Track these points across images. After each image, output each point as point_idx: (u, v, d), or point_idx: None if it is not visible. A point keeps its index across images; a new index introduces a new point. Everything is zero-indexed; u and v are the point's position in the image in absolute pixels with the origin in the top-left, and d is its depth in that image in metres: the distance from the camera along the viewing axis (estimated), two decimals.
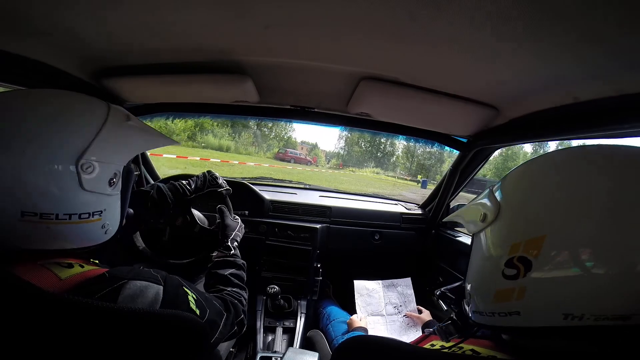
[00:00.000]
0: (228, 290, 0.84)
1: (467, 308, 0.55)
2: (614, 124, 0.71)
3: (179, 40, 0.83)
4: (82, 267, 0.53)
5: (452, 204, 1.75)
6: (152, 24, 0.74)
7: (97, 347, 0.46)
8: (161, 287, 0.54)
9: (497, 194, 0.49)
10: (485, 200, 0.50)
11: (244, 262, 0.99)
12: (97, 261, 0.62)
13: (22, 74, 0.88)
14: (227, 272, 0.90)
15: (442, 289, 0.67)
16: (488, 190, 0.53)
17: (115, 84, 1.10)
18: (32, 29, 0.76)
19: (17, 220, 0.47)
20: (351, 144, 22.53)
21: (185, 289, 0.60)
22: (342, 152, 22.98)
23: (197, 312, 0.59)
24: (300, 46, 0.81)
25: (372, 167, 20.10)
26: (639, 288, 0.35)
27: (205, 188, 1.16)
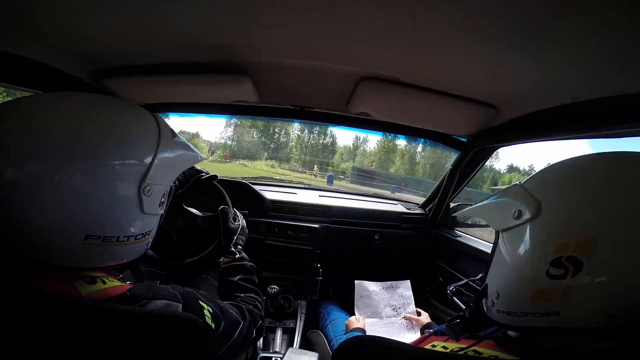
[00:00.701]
0: (242, 297, 0.83)
1: (488, 307, 0.53)
2: (613, 123, 0.71)
3: (178, 41, 0.83)
4: (104, 282, 0.53)
5: (452, 204, 1.75)
6: (152, 24, 0.74)
7: (98, 348, 0.46)
8: (180, 305, 0.54)
9: (534, 191, 0.47)
10: (516, 197, 0.49)
11: (252, 264, 0.98)
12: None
13: (21, 74, 0.87)
14: (236, 278, 0.90)
15: (454, 286, 0.66)
16: (515, 186, 0.51)
17: (115, 84, 1.09)
18: (32, 29, 0.76)
19: (80, 243, 0.47)
20: (241, 134, 19.64)
21: (201, 303, 0.60)
22: (230, 142, 20.05)
23: (212, 325, 0.59)
24: (299, 46, 0.81)
25: (266, 160, 17.61)
26: None
27: (190, 180, 1.11)
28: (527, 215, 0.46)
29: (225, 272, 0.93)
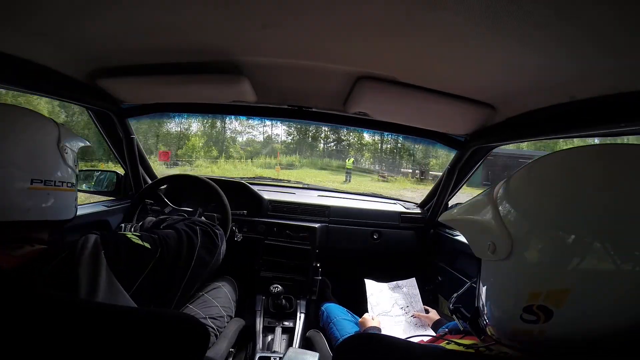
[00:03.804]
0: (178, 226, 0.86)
1: (483, 327, 0.53)
2: (610, 122, 0.71)
3: (176, 41, 0.83)
4: (33, 246, 0.59)
5: (451, 202, 1.75)
6: (149, 24, 0.74)
7: (94, 348, 0.45)
8: (97, 235, 0.61)
9: (509, 221, 0.43)
10: (492, 224, 0.45)
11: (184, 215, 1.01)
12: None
13: (17, 75, 0.87)
14: (166, 223, 0.93)
15: (454, 304, 0.64)
16: (492, 204, 0.46)
17: (112, 84, 1.09)
18: (27, 29, 0.75)
19: (27, 189, 0.57)
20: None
21: (122, 233, 0.67)
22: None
23: (147, 245, 0.64)
24: (297, 46, 0.81)
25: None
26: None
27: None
28: (501, 254, 0.43)
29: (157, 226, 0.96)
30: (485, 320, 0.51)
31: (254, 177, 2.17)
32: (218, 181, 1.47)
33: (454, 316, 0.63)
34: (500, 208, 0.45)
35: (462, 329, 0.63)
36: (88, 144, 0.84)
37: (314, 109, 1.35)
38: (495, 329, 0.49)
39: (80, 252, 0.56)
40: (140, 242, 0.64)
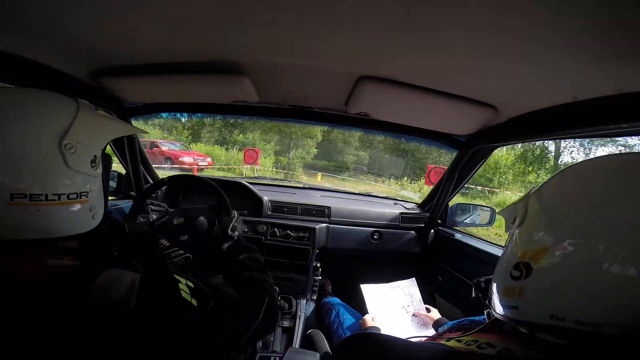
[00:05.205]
0: (246, 275, 0.81)
1: (490, 302, 0.59)
2: (612, 122, 0.71)
3: (177, 40, 0.83)
4: (72, 261, 0.53)
5: (451, 203, 1.75)
6: (150, 24, 0.74)
7: (89, 349, 0.45)
8: (138, 275, 0.51)
9: (531, 201, 0.53)
10: (520, 204, 0.55)
11: (253, 246, 0.97)
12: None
13: (18, 74, 0.87)
14: (240, 257, 0.89)
15: (478, 280, 0.72)
16: (529, 192, 0.56)
17: (113, 84, 1.09)
18: (29, 28, 0.75)
19: (6, 205, 0.46)
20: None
21: (177, 277, 0.57)
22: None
23: (194, 302, 0.55)
24: (298, 45, 0.81)
25: None
26: (612, 302, 0.40)
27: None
28: (517, 223, 0.53)
29: (229, 254, 0.93)
30: (491, 294, 0.57)
31: (254, 177, 2.17)
32: (218, 181, 1.47)
33: (473, 289, 0.72)
34: (530, 194, 0.55)
35: (473, 296, 0.71)
36: (136, 131, 0.70)
37: (315, 109, 1.35)
38: (496, 295, 0.55)
39: (101, 292, 0.48)
40: (189, 297, 0.55)
